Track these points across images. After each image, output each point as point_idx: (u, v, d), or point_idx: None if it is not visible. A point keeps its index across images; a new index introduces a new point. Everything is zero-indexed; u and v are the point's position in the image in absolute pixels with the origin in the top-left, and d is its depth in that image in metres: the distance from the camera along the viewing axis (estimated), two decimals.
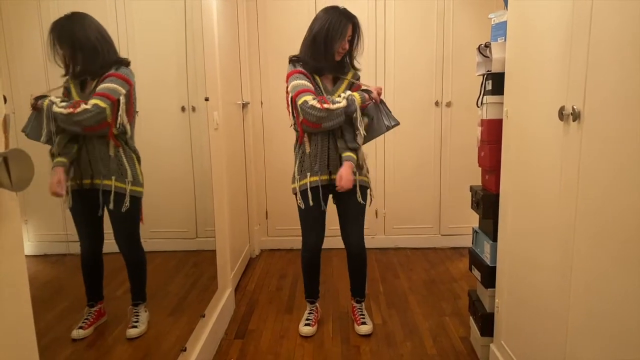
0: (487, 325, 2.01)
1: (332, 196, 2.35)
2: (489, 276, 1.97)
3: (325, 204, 2.31)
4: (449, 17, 3.41)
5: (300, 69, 2.17)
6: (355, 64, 2.28)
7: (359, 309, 2.45)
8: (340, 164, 2.22)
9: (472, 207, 2.13)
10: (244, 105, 3.42)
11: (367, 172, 2.33)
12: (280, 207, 3.68)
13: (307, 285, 2.48)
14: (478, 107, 2.05)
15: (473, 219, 2.30)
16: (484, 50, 1.97)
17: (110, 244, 1.47)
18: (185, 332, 1.87)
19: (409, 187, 3.62)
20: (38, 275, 1.09)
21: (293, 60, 2.22)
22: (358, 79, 2.29)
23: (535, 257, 1.55)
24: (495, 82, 1.90)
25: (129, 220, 1.50)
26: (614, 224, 1.11)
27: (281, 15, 3.45)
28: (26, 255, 0.76)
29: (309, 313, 2.46)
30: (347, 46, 2.17)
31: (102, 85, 1.38)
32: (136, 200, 1.49)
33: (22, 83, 1.06)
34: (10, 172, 0.64)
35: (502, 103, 1.84)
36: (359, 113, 2.13)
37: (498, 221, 1.89)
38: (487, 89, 1.97)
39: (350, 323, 2.47)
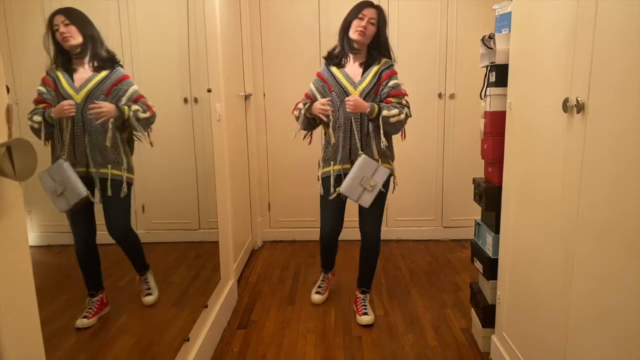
0: (488, 316, 2.02)
1: None
2: (490, 268, 1.98)
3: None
4: (453, 8, 3.38)
5: (319, 71, 2.36)
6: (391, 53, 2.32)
7: (363, 299, 2.47)
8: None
9: (474, 200, 2.13)
10: (247, 97, 3.41)
11: (392, 160, 2.36)
12: (283, 199, 3.69)
13: (324, 260, 2.62)
14: (481, 99, 2.04)
15: (475, 211, 2.30)
16: (487, 41, 1.96)
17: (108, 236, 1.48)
18: (189, 322, 1.88)
19: (411, 179, 3.61)
20: (42, 266, 1.09)
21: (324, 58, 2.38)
22: (389, 67, 2.28)
23: (537, 250, 1.56)
24: (499, 74, 1.89)
25: (124, 205, 1.53)
26: (617, 217, 1.10)
27: (284, 7, 3.43)
28: (30, 246, 0.77)
29: (322, 281, 2.63)
30: (364, 25, 2.18)
31: (133, 88, 1.46)
32: (130, 186, 1.52)
33: (24, 73, 1.06)
34: (14, 162, 0.64)
35: (505, 95, 1.83)
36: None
37: (500, 213, 1.89)
38: (490, 81, 1.96)
39: (352, 315, 2.48)
